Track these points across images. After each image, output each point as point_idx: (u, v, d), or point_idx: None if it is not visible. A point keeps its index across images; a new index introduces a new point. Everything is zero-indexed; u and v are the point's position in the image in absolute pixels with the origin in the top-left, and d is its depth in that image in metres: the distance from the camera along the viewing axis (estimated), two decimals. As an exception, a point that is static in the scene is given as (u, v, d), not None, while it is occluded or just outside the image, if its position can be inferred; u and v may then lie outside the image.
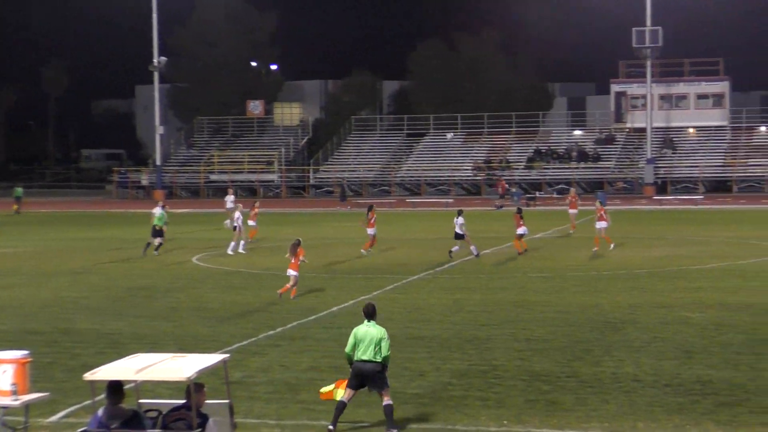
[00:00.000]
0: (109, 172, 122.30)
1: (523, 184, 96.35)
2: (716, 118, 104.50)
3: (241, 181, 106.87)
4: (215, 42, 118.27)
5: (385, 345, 17.57)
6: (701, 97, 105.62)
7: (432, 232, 57.52)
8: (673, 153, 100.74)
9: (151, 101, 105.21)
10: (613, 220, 47.52)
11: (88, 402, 17.55)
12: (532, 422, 18.03)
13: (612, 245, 45.03)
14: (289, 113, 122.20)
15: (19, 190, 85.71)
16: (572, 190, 60.45)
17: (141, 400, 15.10)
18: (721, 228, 55.76)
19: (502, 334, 25.79)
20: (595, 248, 44.61)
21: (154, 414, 14.73)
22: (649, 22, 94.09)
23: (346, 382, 17.76)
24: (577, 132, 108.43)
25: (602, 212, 45.86)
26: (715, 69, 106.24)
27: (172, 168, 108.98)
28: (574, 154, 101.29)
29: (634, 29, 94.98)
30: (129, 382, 14.76)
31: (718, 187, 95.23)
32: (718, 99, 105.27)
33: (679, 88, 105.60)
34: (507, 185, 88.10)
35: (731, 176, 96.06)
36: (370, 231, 45.71)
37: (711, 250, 45.24)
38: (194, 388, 14.40)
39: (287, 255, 32.97)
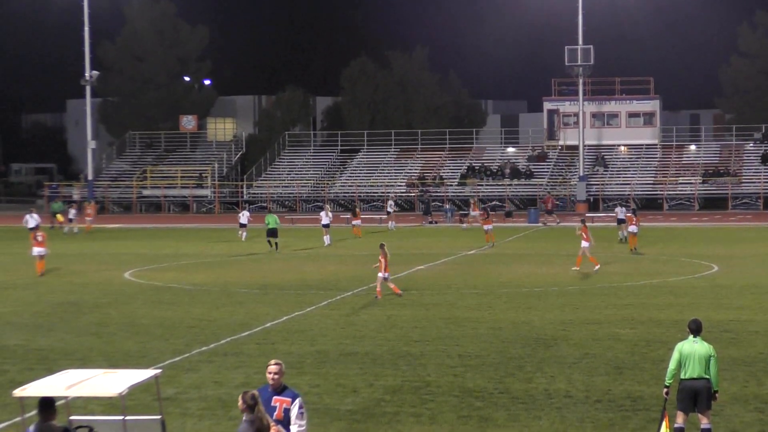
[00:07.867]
0: (39, 187, 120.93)
1: (456, 201, 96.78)
2: (647, 136, 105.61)
3: (174, 197, 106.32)
4: (144, 56, 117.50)
5: (713, 362, 17.05)
6: (632, 115, 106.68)
7: (365, 248, 57.48)
8: (605, 170, 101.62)
9: (83, 115, 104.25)
10: (547, 238, 47.69)
11: (17, 419, 17.34)
12: (464, 438, 18.08)
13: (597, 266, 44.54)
14: (222, 128, 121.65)
15: None
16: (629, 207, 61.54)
17: (72, 417, 14.95)
18: (651, 245, 56.24)
19: (434, 350, 25.83)
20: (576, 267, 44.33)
21: (85, 431, 14.60)
22: (581, 40, 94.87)
23: (667, 418, 16.87)
24: (510, 149, 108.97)
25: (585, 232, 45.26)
26: (646, 88, 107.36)
27: (104, 182, 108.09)
28: (507, 171, 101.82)
29: (566, 47, 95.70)
30: (60, 398, 14.61)
31: (649, 204, 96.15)
32: (648, 117, 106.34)
33: (611, 107, 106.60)
34: (555, 201, 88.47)
35: (662, 194, 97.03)
36: (487, 227, 58.54)
37: (642, 267, 45.61)
38: None
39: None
